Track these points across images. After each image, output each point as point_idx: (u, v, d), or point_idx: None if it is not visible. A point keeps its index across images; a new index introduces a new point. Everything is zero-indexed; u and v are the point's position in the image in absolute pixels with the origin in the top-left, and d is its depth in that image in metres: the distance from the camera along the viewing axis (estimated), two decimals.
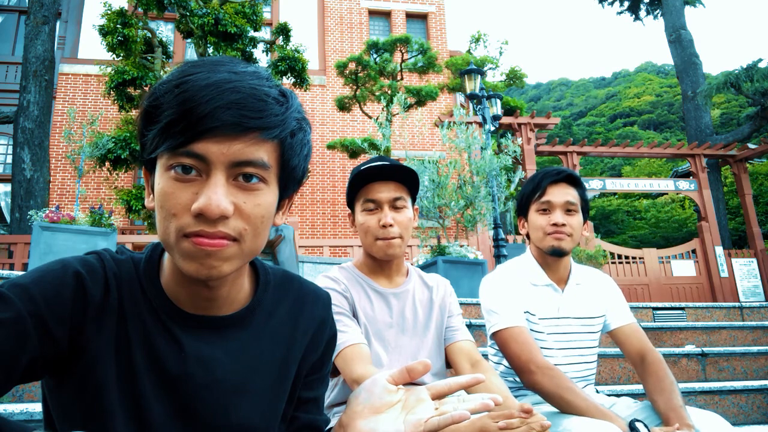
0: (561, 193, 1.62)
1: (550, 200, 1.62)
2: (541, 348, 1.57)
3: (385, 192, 1.42)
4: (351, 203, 1.50)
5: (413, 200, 1.50)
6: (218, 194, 0.64)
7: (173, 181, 0.65)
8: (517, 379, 1.66)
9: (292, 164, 0.72)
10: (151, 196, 0.71)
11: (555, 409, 1.45)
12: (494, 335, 1.57)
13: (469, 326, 3.43)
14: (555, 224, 1.60)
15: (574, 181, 1.64)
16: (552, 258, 1.65)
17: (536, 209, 1.65)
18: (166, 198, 0.65)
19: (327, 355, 0.90)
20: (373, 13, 14.25)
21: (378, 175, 1.42)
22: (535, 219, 1.65)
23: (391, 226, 1.40)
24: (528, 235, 1.71)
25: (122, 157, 7.89)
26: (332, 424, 1.39)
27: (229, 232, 0.65)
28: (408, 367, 0.68)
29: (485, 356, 1.88)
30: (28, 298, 0.64)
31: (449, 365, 1.54)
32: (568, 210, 1.61)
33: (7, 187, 11.29)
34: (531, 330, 1.60)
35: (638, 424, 1.31)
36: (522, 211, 1.72)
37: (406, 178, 1.43)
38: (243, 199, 0.66)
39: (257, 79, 0.67)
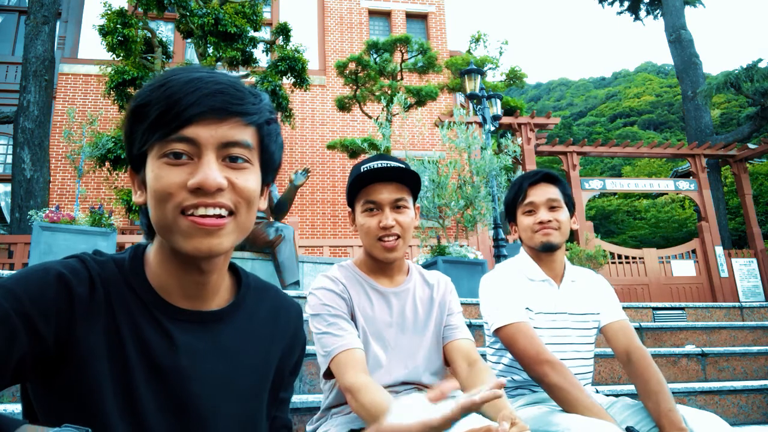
0: (541, 192, 1.69)
1: (533, 201, 1.70)
2: None
3: (386, 193, 1.38)
4: (351, 202, 1.47)
5: (414, 199, 1.46)
6: (213, 170, 0.70)
7: (166, 166, 0.71)
8: (515, 378, 1.67)
9: (270, 150, 0.79)
10: (139, 192, 0.76)
11: (550, 409, 1.46)
12: (499, 330, 1.58)
13: (469, 326, 3.42)
14: (541, 222, 1.67)
15: (553, 179, 1.72)
16: (545, 254, 1.70)
17: (522, 212, 1.73)
18: (160, 181, 0.70)
19: (300, 359, 0.97)
20: (373, 13, 14.25)
21: (379, 177, 1.38)
22: (522, 221, 1.72)
23: (392, 227, 1.38)
24: (521, 238, 1.76)
25: (122, 157, 7.88)
26: (331, 426, 1.39)
27: (226, 202, 0.71)
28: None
29: (483, 356, 1.88)
30: (13, 298, 0.65)
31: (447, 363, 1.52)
32: (552, 207, 1.68)
33: (7, 187, 11.30)
34: None
35: None
36: (511, 217, 1.79)
37: (407, 178, 1.40)
38: (234, 176, 0.73)
39: (232, 77, 0.76)
